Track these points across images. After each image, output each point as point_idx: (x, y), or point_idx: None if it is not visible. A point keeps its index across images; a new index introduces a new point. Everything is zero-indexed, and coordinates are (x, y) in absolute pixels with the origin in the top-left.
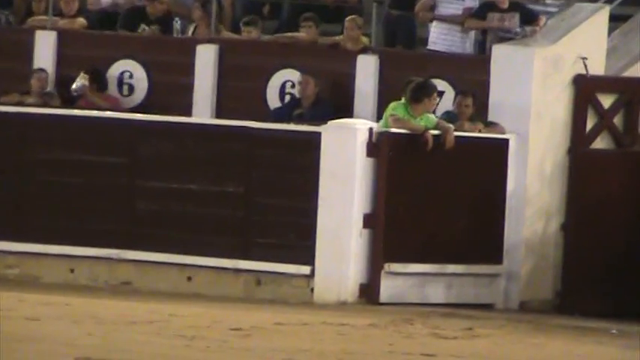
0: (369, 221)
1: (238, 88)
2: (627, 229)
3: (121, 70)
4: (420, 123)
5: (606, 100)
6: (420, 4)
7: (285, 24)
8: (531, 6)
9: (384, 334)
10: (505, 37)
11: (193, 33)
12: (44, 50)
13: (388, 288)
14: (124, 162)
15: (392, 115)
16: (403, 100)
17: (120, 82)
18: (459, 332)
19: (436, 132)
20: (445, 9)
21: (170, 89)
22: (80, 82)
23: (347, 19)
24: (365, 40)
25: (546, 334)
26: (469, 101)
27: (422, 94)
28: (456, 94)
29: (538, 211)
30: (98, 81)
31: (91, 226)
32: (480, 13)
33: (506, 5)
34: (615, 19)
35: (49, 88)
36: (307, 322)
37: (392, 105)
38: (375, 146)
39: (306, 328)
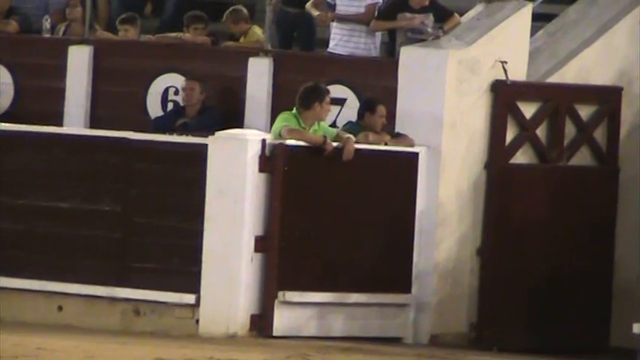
0: (261, 244)
1: (115, 95)
2: (551, 254)
3: None
4: (317, 134)
5: (529, 109)
6: (311, 2)
7: (167, 23)
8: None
9: None
10: (415, 38)
11: (65, 32)
12: None
13: (283, 319)
14: None
15: (285, 125)
16: (294, 110)
17: None
18: None
19: (336, 144)
20: (346, 7)
21: (39, 95)
22: None
23: (226, 12)
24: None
25: None
26: (384, 110)
27: (312, 98)
28: (369, 104)
29: (452, 234)
30: None
31: None
32: (388, 13)
33: (419, 6)
34: (539, 18)
35: None
36: (192, 358)
37: (282, 116)
38: (269, 160)
39: None
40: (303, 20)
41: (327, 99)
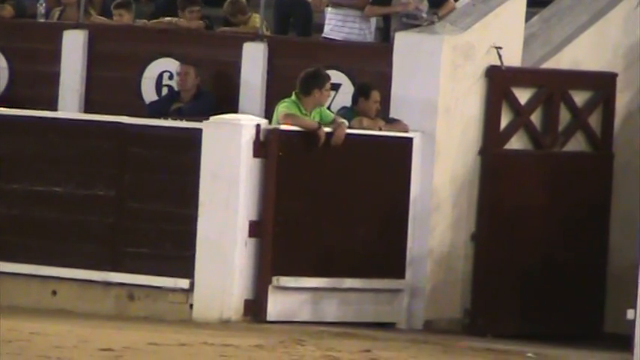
0: (255, 229)
1: (109, 79)
2: (545, 240)
3: None
4: (314, 119)
5: (523, 95)
6: None
7: (162, 8)
8: None
9: (272, 356)
10: (410, 23)
11: (59, 17)
12: None
13: (277, 304)
14: None
15: (283, 112)
16: (293, 96)
17: None
18: (356, 354)
19: (330, 129)
20: None
21: (33, 80)
22: None
23: (225, 4)
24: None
25: (454, 357)
26: (378, 96)
27: (311, 85)
28: (363, 89)
29: (446, 219)
30: None
31: None
32: None
33: None
34: (534, 4)
35: None
36: (185, 343)
37: (282, 104)
38: (263, 145)
39: (184, 349)
40: (299, 5)
41: (327, 85)
